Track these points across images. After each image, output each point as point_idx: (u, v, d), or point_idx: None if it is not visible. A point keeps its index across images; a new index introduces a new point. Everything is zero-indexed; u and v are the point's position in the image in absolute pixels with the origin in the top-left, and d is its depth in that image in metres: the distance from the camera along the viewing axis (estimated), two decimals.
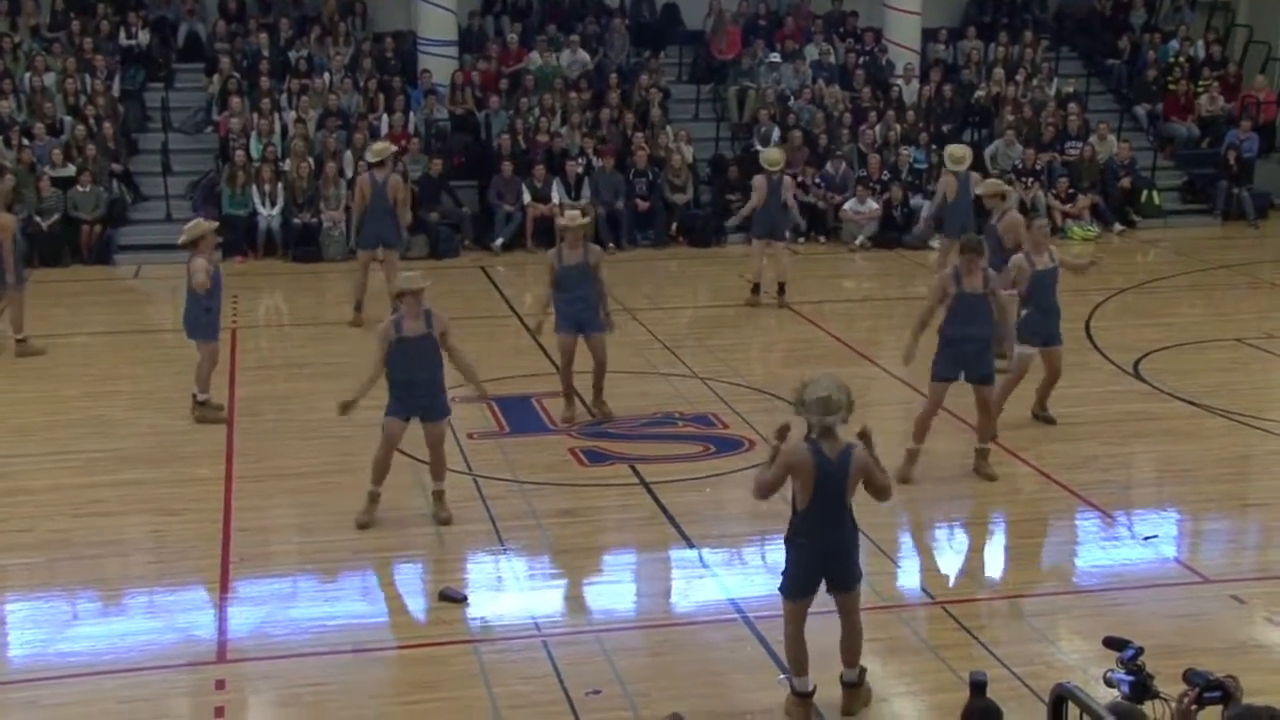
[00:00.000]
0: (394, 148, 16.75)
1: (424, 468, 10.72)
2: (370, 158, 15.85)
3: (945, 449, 10.80)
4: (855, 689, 7.40)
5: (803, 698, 7.31)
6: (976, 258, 10.30)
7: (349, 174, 19.25)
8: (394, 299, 9.80)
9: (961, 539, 10.12)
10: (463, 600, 8.63)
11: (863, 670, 7.42)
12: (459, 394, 12.69)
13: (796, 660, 7.30)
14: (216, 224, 12.64)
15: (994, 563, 9.73)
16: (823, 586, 7.26)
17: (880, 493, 7.35)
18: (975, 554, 9.87)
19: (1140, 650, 5.19)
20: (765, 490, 7.25)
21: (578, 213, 12.21)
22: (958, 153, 15.97)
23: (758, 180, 16.21)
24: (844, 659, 7.39)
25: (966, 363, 10.39)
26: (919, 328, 10.40)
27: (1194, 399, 12.68)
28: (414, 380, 9.52)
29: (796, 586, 7.26)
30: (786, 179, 16.57)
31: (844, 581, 7.26)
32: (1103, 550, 9.66)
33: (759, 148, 19.74)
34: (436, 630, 8.38)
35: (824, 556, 7.18)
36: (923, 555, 9.74)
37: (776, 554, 9.21)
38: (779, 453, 7.08)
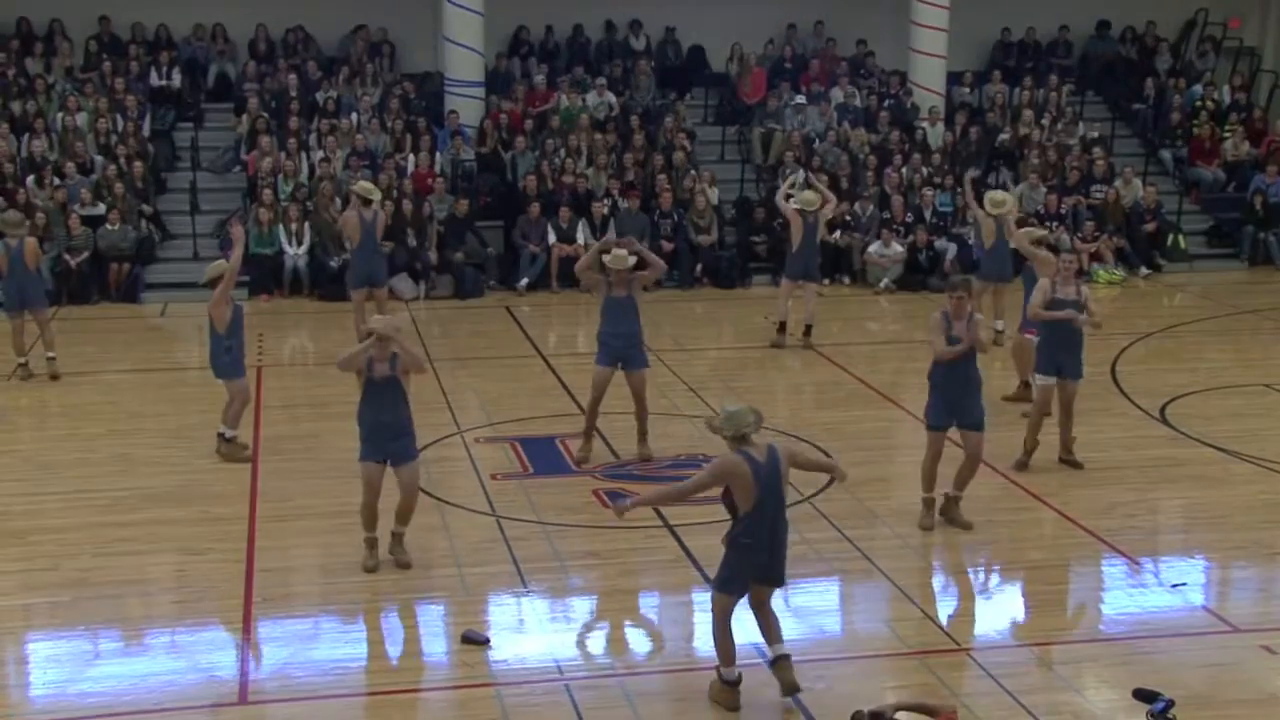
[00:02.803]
0: (380, 191, 17.01)
1: (449, 508, 10.75)
2: (363, 194, 15.80)
3: (970, 493, 10.72)
4: (788, 659, 7.74)
5: (732, 685, 7.78)
6: (964, 300, 10.24)
7: None
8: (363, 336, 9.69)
9: (986, 585, 10.05)
10: (485, 643, 8.60)
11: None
12: (481, 435, 12.74)
13: (727, 651, 7.80)
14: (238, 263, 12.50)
15: (1019, 609, 9.63)
16: None
17: (823, 468, 8.43)
18: (1000, 600, 9.80)
19: (1171, 703, 5.14)
20: (684, 494, 7.98)
21: (624, 253, 11.83)
22: (998, 197, 15.66)
23: (794, 220, 16.16)
24: (774, 638, 7.83)
25: (956, 409, 10.36)
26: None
27: (1221, 444, 12.59)
28: (380, 422, 9.54)
29: (736, 583, 7.76)
30: (822, 216, 16.50)
31: (780, 576, 7.79)
32: (1130, 598, 9.56)
33: (788, 191, 19.71)
34: (458, 673, 8.34)
35: (769, 552, 7.67)
36: (947, 601, 9.66)
37: (799, 598, 9.24)
38: (711, 463, 7.73)
